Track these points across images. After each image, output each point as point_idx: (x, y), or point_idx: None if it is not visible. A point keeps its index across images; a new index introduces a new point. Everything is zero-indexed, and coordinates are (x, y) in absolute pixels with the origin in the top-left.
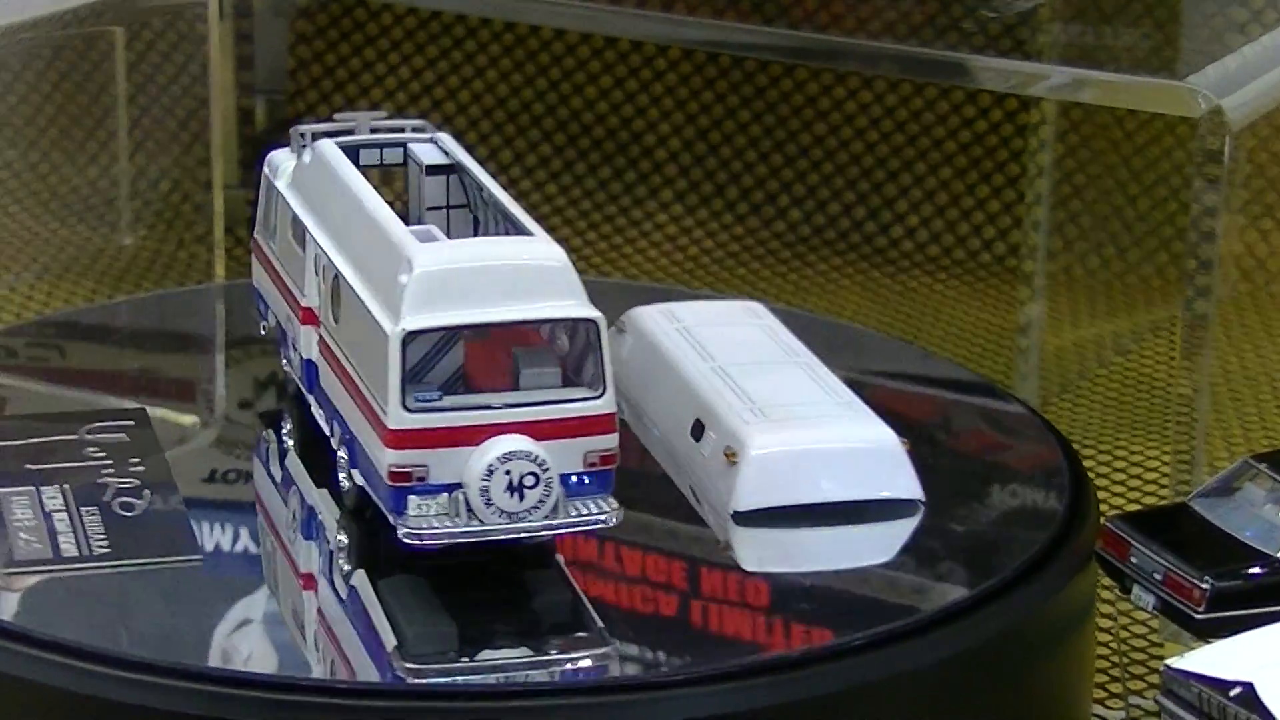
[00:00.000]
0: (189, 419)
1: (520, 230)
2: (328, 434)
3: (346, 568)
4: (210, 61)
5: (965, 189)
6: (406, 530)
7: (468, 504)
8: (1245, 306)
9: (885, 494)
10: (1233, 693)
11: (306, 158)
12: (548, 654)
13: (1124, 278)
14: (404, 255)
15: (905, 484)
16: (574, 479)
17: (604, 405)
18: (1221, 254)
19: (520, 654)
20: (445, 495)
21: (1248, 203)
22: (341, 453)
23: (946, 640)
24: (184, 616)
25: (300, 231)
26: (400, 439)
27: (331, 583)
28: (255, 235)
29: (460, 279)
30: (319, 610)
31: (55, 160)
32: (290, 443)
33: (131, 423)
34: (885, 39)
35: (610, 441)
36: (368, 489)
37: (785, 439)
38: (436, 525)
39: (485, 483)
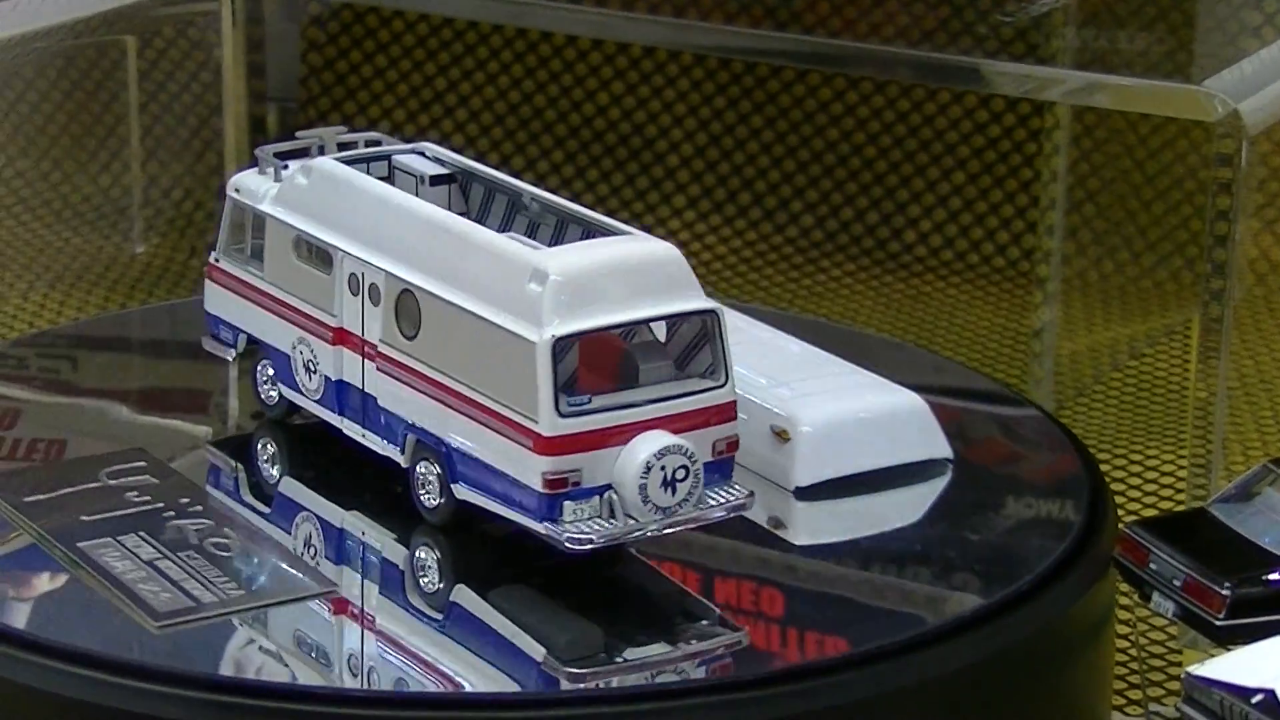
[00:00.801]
0: (200, 429)
1: (606, 229)
2: (387, 452)
3: (436, 584)
4: (222, 69)
5: (979, 193)
6: (570, 535)
7: (617, 504)
8: (1260, 310)
9: (926, 455)
10: (1255, 700)
11: (301, 178)
12: (688, 646)
13: (1138, 281)
14: (528, 264)
15: (942, 444)
16: (707, 468)
17: (727, 394)
18: (1236, 258)
19: (663, 650)
20: (596, 498)
21: (1262, 206)
22: (425, 468)
23: (966, 648)
24: (317, 642)
25: (321, 251)
26: (555, 445)
27: (418, 601)
28: (215, 258)
29: (594, 282)
30: (439, 628)
31: (67, 169)
32: (274, 469)
33: (143, 463)
34: (898, 44)
35: (733, 429)
36: (486, 501)
37: (832, 412)
38: (595, 528)
39: (643, 480)
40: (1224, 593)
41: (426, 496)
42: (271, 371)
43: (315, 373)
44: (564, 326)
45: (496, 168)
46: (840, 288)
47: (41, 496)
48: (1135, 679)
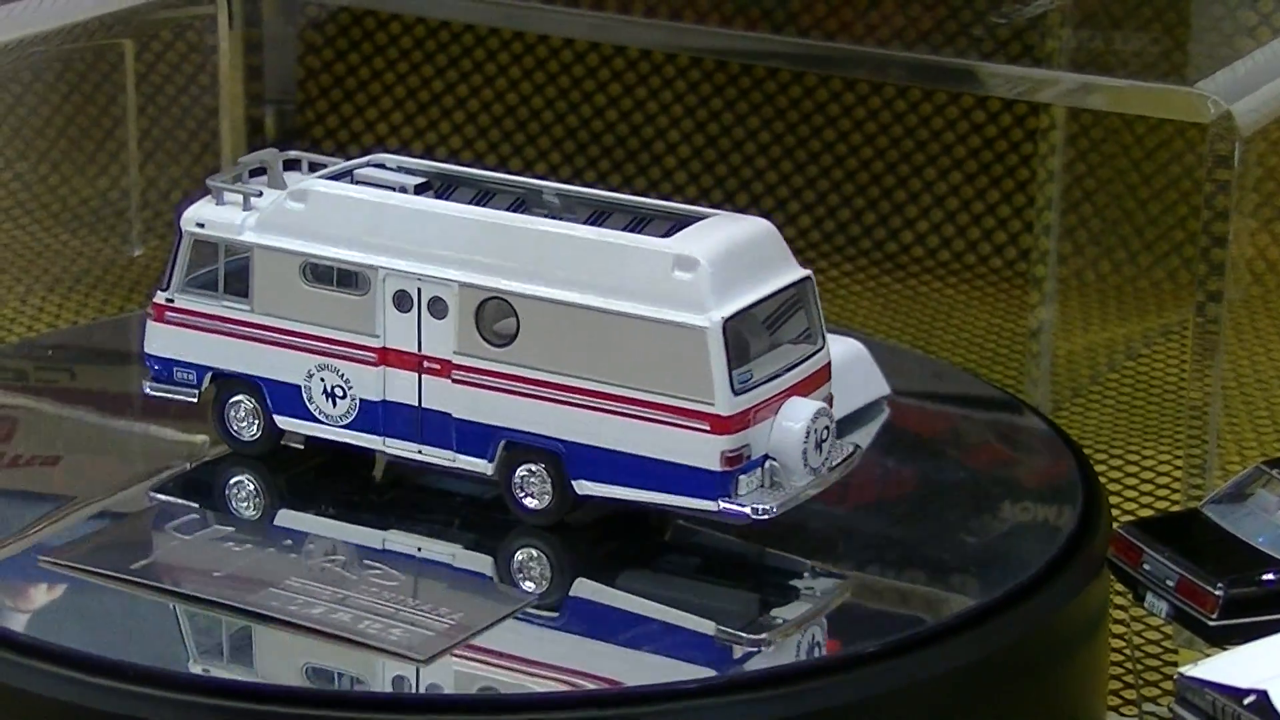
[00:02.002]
0: (199, 438)
1: (658, 211)
2: (458, 465)
3: (546, 583)
4: (220, 72)
5: (975, 194)
6: (754, 508)
7: (778, 471)
8: (1256, 310)
9: (876, 395)
10: (1247, 700)
11: (294, 203)
12: (813, 602)
13: (1135, 282)
14: (668, 254)
15: (882, 383)
16: None
17: (825, 355)
18: (1232, 257)
19: (802, 608)
20: (759, 469)
21: (1258, 206)
22: (529, 471)
23: (961, 649)
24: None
25: (346, 272)
26: (732, 424)
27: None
28: (166, 298)
29: (732, 264)
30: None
31: (65, 172)
32: (250, 506)
33: (193, 508)
34: (895, 46)
35: (829, 387)
36: (618, 492)
37: None
38: (767, 497)
39: (805, 445)
40: (1217, 593)
41: (530, 500)
42: (251, 406)
43: (344, 398)
44: (726, 308)
45: (493, 169)
46: (837, 288)
47: (144, 561)
48: (1129, 679)
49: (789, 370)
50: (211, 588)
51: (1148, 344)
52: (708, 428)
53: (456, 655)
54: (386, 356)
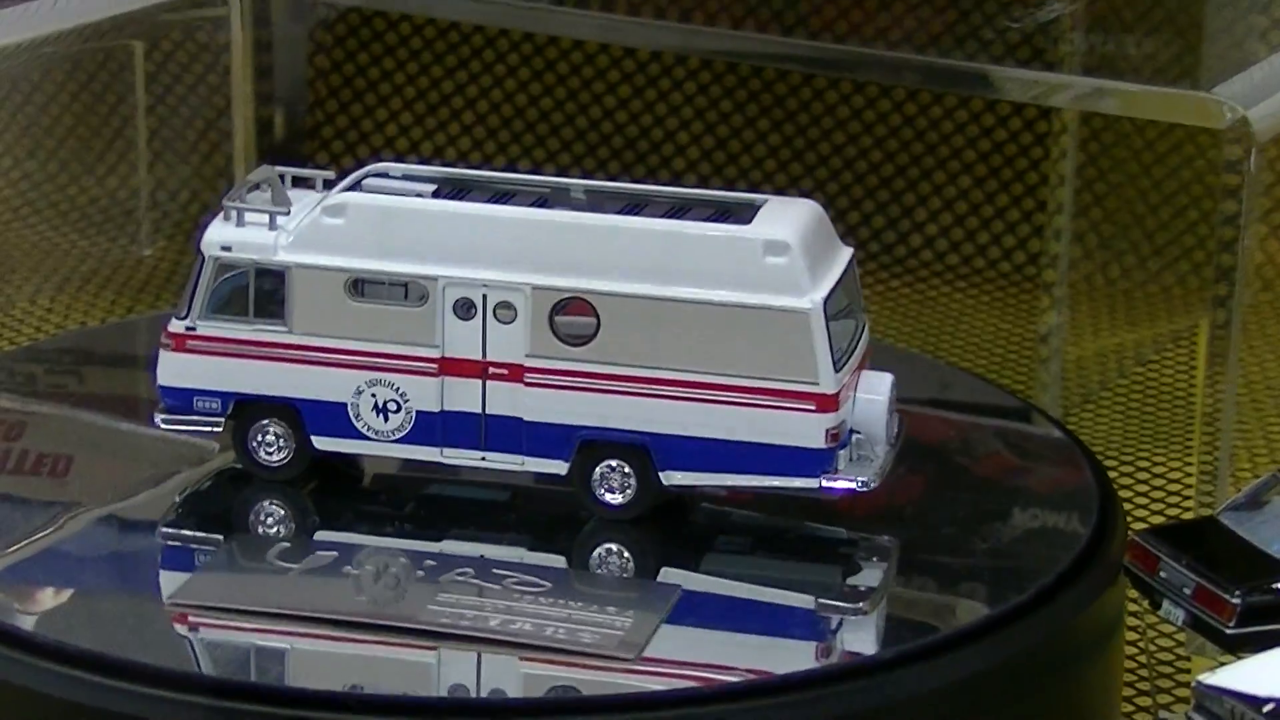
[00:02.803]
0: (208, 443)
1: (699, 200)
2: (528, 468)
3: (627, 570)
4: (230, 71)
5: (985, 198)
6: (859, 480)
7: (864, 444)
8: (1267, 315)
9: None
10: (1266, 709)
11: (331, 218)
12: (884, 566)
13: (1145, 286)
14: (757, 240)
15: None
16: None
17: (866, 326)
18: (1244, 263)
19: (875, 573)
20: (848, 444)
21: (1269, 211)
22: (610, 466)
23: (976, 656)
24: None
25: (399, 285)
26: (835, 401)
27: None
28: (188, 326)
29: (811, 245)
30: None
31: (74, 172)
32: (287, 529)
33: (283, 536)
34: (905, 49)
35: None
36: (711, 478)
37: None
38: (861, 470)
39: (886, 417)
40: (1234, 601)
41: (611, 495)
42: (281, 430)
43: (398, 411)
44: (820, 290)
45: (501, 170)
46: None
47: (282, 593)
48: (1145, 686)
49: (855, 345)
50: (379, 613)
51: (1158, 349)
52: (813, 407)
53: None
54: (446, 366)
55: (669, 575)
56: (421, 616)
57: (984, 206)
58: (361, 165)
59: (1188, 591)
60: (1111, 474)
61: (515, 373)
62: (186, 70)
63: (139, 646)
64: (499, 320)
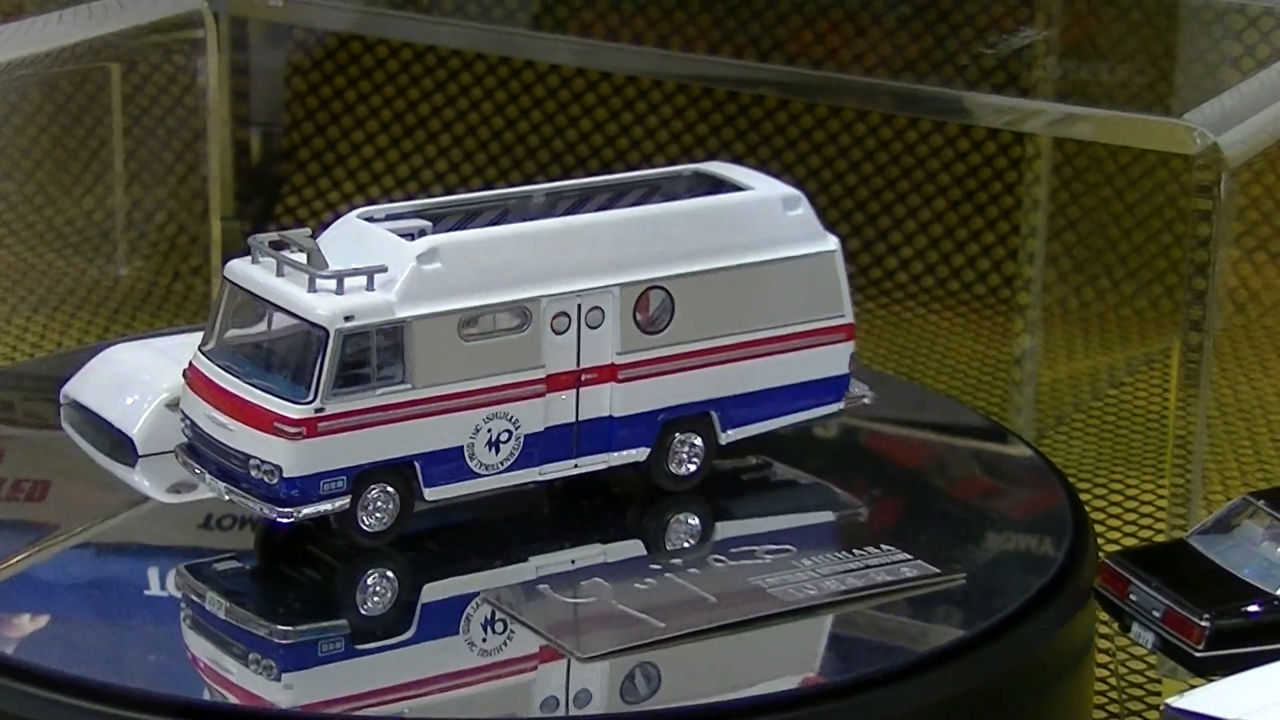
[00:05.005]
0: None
1: (644, 181)
2: (613, 462)
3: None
4: (207, 94)
5: (959, 221)
6: (866, 395)
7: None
8: (1239, 339)
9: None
10: None
11: (430, 264)
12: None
13: (1118, 310)
14: (774, 199)
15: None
16: None
17: None
18: (1216, 286)
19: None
20: None
21: (1241, 235)
22: (681, 439)
23: (946, 680)
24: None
25: (504, 314)
26: (854, 328)
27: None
28: (318, 408)
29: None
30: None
31: (51, 193)
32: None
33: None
34: (881, 74)
35: None
36: (762, 426)
37: None
38: (856, 388)
39: None
40: (1203, 624)
41: (680, 467)
42: (388, 492)
43: (509, 440)
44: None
45: (478, 191)
46: None
47: (580, 608)
48: (1115, 709)
49: None
50: (705, 616)
51: (1131, 372)
52: (843, 337)
53: None
54: (550, 382)
55: None
56: (759, 605)
57: (958, 230)
58: (337, 189)
59: (1157, 614)
60: (1084, 496)
61: (606, 373)
62: (163, 92)
63: (117, 670)
64: (590, 326)
